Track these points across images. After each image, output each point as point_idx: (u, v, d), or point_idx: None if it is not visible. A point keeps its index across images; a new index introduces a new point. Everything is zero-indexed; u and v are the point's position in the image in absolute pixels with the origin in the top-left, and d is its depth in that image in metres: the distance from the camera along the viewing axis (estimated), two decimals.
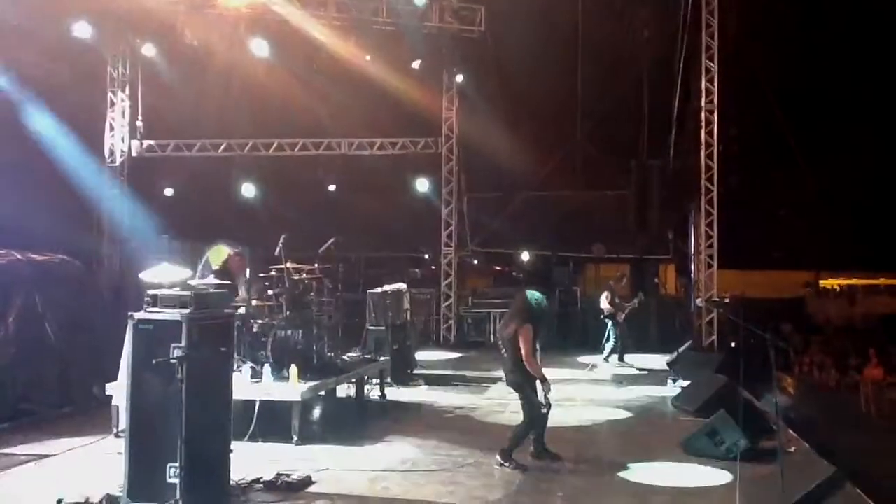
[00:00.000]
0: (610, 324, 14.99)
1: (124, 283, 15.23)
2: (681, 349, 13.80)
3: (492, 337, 17.26)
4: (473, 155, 19.20)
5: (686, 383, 11.62)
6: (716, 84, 17.09)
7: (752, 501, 6.30)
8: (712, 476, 7.39)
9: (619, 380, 13.34)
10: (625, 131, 19.22)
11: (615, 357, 14.88)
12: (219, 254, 9.69)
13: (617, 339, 14.93)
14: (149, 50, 17.93)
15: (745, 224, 19.78)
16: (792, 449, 7.65)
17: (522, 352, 7.60)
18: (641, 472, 7.57)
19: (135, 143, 19.28)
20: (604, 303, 15.05)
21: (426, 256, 22.84)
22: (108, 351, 8.68)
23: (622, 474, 7.49)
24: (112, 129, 19.20)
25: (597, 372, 14.20)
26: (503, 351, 7.88)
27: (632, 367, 14.62)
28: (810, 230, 21.10)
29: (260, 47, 16.99)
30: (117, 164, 19.15)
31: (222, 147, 19.44)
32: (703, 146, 17.16)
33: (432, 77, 18.59)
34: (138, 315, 6.25)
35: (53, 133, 16.46)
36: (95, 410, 9.37)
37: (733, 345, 14.01)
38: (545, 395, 7.65)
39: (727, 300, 17.46)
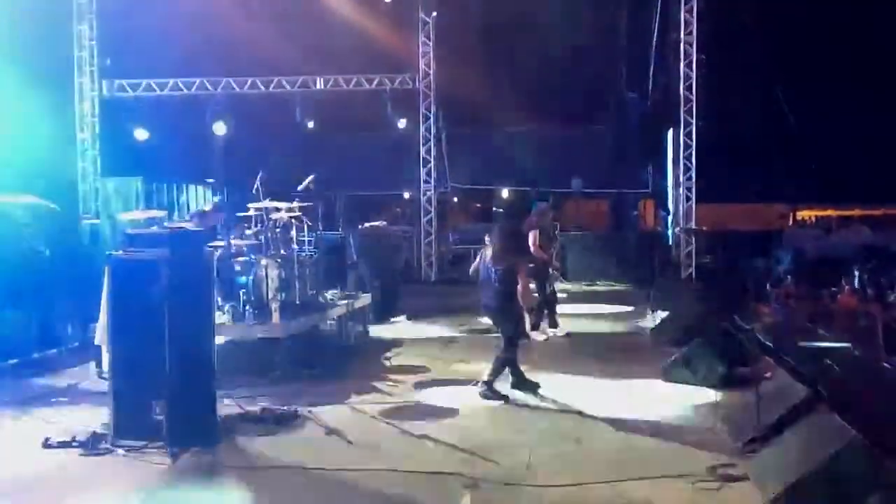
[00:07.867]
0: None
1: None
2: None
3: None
4: (451, 91, 19.01)
5: (664, 314, 11.72)
6: (694, 15, 16.94)
7: (731, 425, 6.44)
8: (690, 404, 7.53)
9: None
10: (603, 65, 19.07)
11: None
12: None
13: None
14: None
15: (723, 157, 19.81)
16: (768, 375, 7.80)
17: (520, 285, 7.67)
18: (621, 400, 7.71)
19: (105, 82, 18.85)
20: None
21: (406, 194, 22.75)
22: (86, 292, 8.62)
23: (602, 403, 7.61)
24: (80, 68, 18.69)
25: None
26: (494, 281, 7.84)
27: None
28: (788, 163, 21.22)
29: None
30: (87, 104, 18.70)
31: (195, 86, 19.04)
32: (681, 78, 17.08)
33: (407, 13, 18.29)
34: (116, 254, 6.21)
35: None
36: (78, 351, 9.38)
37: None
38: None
39: (704, 229, 17.59)
